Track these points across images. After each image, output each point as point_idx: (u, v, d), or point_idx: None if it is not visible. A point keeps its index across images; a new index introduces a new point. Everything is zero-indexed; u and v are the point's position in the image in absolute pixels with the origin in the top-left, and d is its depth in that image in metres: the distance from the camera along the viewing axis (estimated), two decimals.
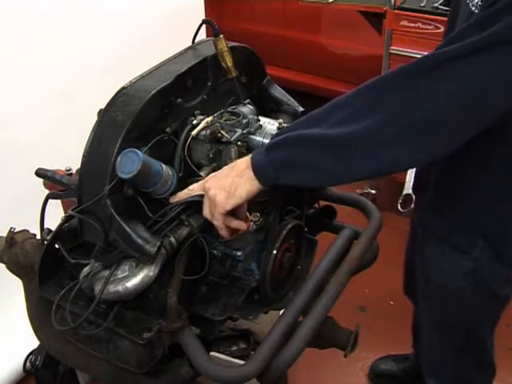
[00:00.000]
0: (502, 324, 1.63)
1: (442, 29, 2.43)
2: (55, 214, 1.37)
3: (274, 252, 1.31)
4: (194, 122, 1.25)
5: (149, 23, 2.60)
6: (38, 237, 1.36)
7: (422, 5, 2.70)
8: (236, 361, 1.62)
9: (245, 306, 1.34)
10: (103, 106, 1.20)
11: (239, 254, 1.32)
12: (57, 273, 1.29)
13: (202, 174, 1.25)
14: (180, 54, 1.35)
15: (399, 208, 1.30)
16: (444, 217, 1.40)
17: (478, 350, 1.61)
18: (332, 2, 3.11)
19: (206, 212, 1.15)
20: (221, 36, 1.31)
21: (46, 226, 1.34)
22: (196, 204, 1.21)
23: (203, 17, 2.85)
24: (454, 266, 1.39)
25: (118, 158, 1.09)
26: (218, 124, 1.27)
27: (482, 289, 1.41)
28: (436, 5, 2.65)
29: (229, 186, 1.10)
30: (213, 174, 1.16)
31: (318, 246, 1.55)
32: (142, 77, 1.25)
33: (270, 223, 1.33)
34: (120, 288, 1.14)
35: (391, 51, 2.75)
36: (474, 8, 1.14)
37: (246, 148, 1.29)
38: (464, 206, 1.33)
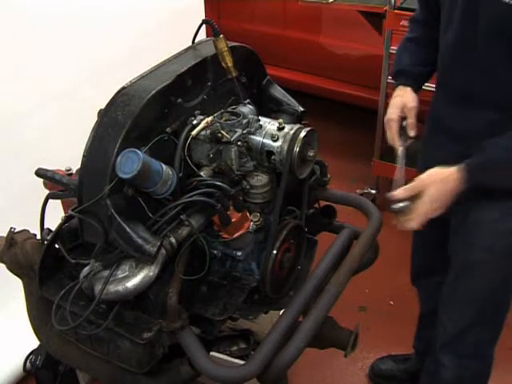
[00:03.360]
0: None
1: None
2: (55, 214, 1.37)
3: (274, 252, 1.31)
4: (194, 122, 1.25)
5: (149, 23, 2.60)
6: (38, 237, 1.37)
7: None
8: (236, 361, 1.63)
9: (245, 306, 1.34)
10: (103, 106, 1.20)
11: (239, 254, 1.32)
12: (57, 273, 1.29)
13: (201, 173, 1.25)
14: (180, 54, 1.35)
15: None
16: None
17: (499, 322, 1.64)
18: (332, 2, 3.11)
19: None
20: (221, 36, 1.31)
21: (46, 226, 1.34)
22: (196, 204, 1.22)
23: (203, 17, 2.84)
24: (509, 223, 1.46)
25: (118, 158, 1.09)
26: (218, 124, 1.27)
27: None
28: None
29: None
30: None
31: (318, 246, 1.55)
32: (142, 77, 1.25)
33: (270, 223, 1.33)
34: (120, 288, 1.14)
35: (391, 51, 2.75)
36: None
37: (246, 148, 1.29)
38: None
